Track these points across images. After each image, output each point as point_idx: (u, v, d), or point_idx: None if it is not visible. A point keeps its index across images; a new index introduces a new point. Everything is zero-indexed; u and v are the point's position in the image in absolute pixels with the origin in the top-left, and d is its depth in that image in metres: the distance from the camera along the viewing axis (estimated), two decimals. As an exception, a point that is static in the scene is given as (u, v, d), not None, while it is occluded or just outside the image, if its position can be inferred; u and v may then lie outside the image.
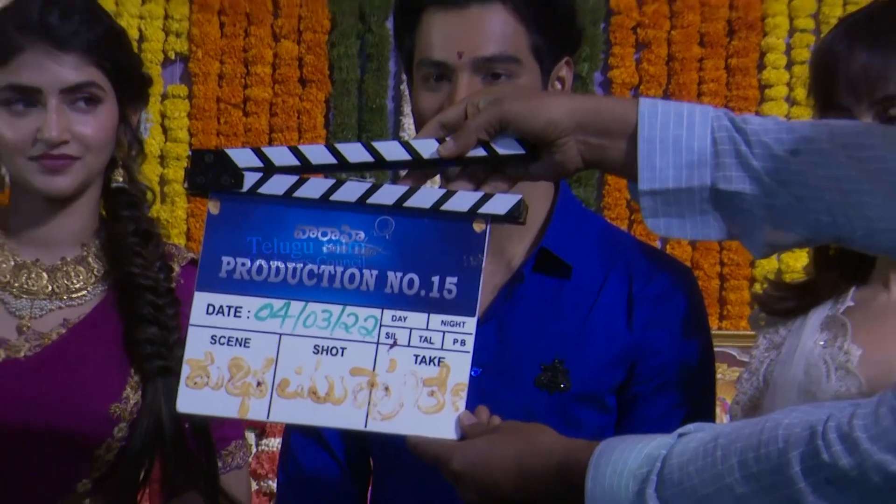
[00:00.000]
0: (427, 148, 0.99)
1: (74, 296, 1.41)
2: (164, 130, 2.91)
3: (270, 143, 2.91)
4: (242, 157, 1.00)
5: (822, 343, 1.19)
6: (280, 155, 1.02)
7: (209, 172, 1.02)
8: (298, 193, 1.01)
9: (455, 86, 1.16)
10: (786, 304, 1.24)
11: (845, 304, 1.20)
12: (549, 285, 1.27)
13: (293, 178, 1.01)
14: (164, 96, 2.90)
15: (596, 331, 1.24)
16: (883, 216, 0.93)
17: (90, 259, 1.45)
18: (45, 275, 1.41)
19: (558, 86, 1.23)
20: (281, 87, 2.91)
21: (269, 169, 1.01)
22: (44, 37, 1.30)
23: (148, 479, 1.46)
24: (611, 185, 2.68)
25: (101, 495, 1.35)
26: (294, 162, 1.02)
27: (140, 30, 2.86)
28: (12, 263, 1.41)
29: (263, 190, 1.00)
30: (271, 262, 1.03)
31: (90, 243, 1.43)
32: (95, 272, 1.43)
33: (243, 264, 1.03)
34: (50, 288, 1.40)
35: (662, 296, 1.26)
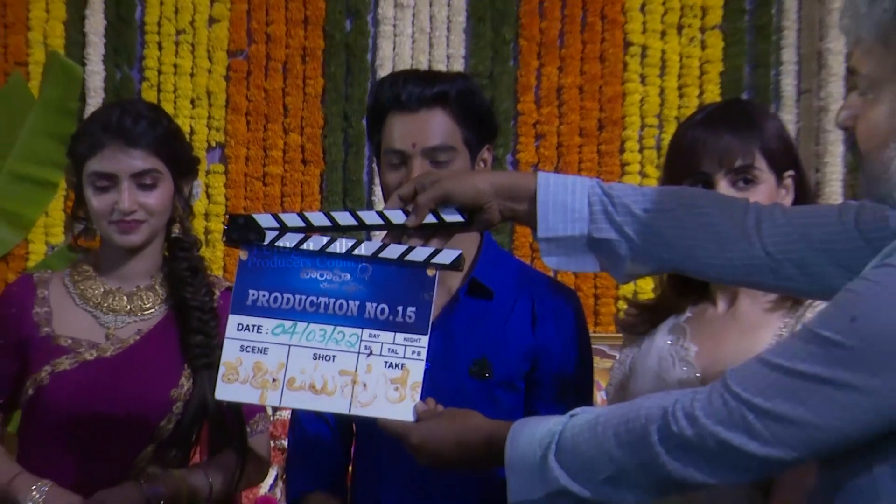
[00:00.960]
0: (394, 216, 1.24)
1: (146, 313, 1.76)
2: (208, 196, 3.47)
3: (282, 207, 3.51)
4: (265, 220, 1.24)
5: (669, 342, 1.47)
6: (291, 219, 1.26)
7: (241, 231, 1.26)
8: (304, 246, 1.25)
9: (410, 168, 1.49)
10: (639, 327, 1.54)
11: (685, 315, 1.48)
12: (478, 304, 1.58)
13: (300, 236, 1.24)
14: (208, 172, 3.43)
15: (510, 336, 1.55)
16: (709, 255, 1.18)
17: (157, 287, 1.77)
18: (125, 298, 1.75)
19: (482, 165, 1.58)
20: (289, 166, 3.46)
21: (283, 229, 1.25)
22: (119, 136, 1.65)
23: (198, 442, 1.81)
24: (518, 232, 3.29)
25: (161, 458, 1.71)
26: (301, 224, 1.26)
27: (191, 126, 3.41)
28: (101, 290, 1.76)
29: (279, 244, 1.24)
30: (284, 295, 1.25)
31: (156, 276, 1.77)
32: (160, 296, 1.77)
33: (264, 296, 1.25)
34: (128, 307, 1.75)
35: (556, 311, 1.58)
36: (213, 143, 3.47)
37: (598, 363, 3.24)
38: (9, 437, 1.96)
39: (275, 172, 3.45)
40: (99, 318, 1.76)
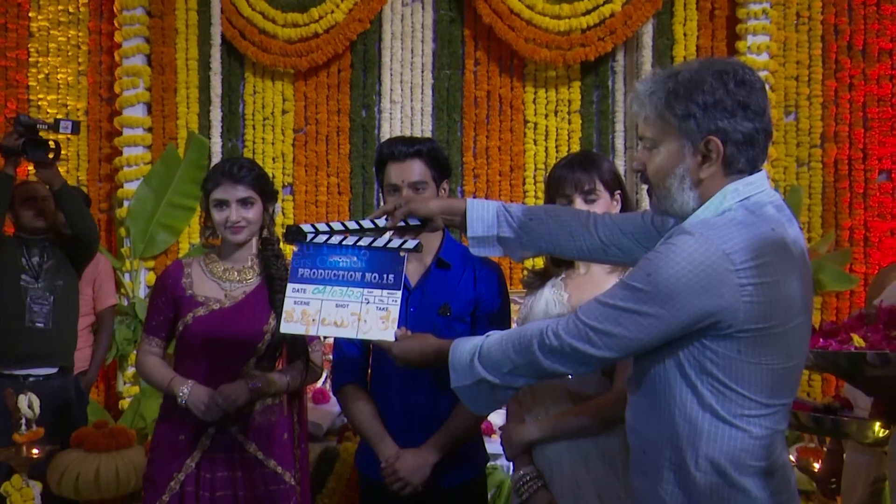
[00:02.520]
0: (381, 222, 1.70)
1: (248, 281, 2.33)
2: (283, 215, 4.67)
3: (327, 220, 4.52)
4: (305, 227, 1.68)
5: (551, 291, 1.95)
6: (321, 226, 1.69)
7: (292, 234, 1.72)
8: (329, 241, 1.66)
9: (401, 195, 2.02)
10: (534, 284, 2.02)
11: (561, 276, 1.97)
12: (442, 273, 2.11)
13: (327, 235, 1.65)
14: (283, 200, 4.71)
15: (461, 291, 2.09)
16: (567, 244, 1.69)
17: (254, 266, 2.32)
18: (235, 273, 2.30)
19: (443, 192, 2.11)
20: (330, 196, 4.74)
21: (316, 232, 1.64)
22: (230, 178, 2.26)
23: (280, 356, 2.39)
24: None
25: (258, 366, 2.29)
26: (327, 229, 1.68)
27: (272, 173, 4.63)
28: (222, 268, 2.31)
29: (315, 241, 1.64)
30: (318, 270, 1.68)
31: (254, 260, 2.32)
32: (256, 272, 2.32)
33: (306, 271, 1.67)
34: (238, 278, 2.30)
35: (487, 275, 2.12)
36: (286, 183, 4.80)
37: (512, 307, 4.02)
38: (168, 356, 2.43)
39: (322, 200, 4.79)
40: (221, 285, 2.26)
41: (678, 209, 1.43)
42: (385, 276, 1.68)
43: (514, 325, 2.16)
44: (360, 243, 1.70)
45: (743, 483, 1.37)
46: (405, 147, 2.10)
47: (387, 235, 1.76)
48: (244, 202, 2.26)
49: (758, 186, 1.42)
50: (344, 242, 1.71)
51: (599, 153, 2.20)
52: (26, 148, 3.17)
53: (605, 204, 1.95)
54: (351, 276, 1.70)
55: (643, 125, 1.46)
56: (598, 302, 1.39)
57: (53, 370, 3.49)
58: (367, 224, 1.75)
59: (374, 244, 1.71)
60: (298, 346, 2.33)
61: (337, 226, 1.73)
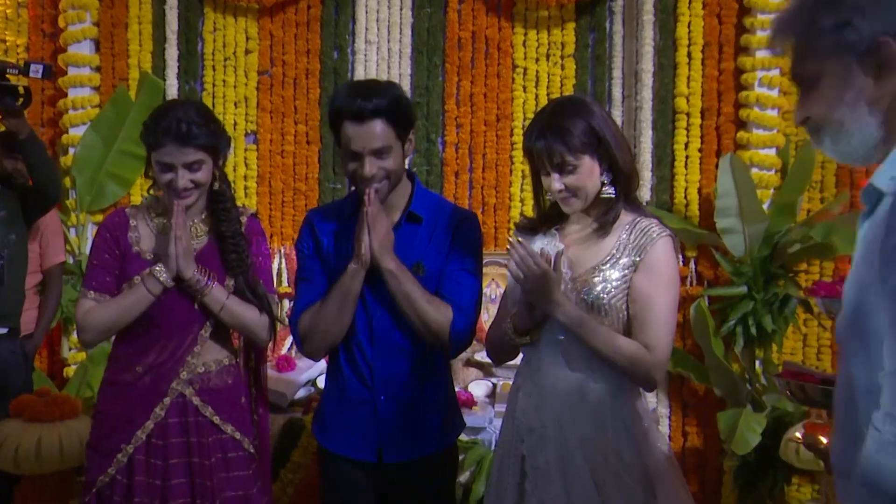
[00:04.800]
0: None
1: (198, 238, 2.44)
2: (246, 165, 4.73)
3: (294, 174, 4.69)
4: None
5: (545, 239, 2.17)
6: None
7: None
8: None
9: (362, 163, 2.16)
10: (526, 229, 2.19)
11: (554, 227, 2.18)
12: (413, 228, 2.27)
13: None
14: (245, 149, 4.71)
15: (435, 245, 2.25)
16: None
17: (205, 221, 2.45)
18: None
19: (409, 145, 2.24)
20: (298, 146, 4.73)
21: None
22: (176, 140, 2.27)
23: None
24: (446, 180, 4.62)
25: (213, 335, 2.43)
26: None
27: (234, 120, 4.70)
28: (165, 223, 2.39)
29: None
30: None
31: (204, 213, 2.44)
32: (207, 227, 2.45)
33: None
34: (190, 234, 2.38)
35: (460, 224, 2.29)
36: (248, 131, 4.78)
37: (498, 270, 4.37)
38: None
39: (288, 150, 4.76)
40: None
41: (859, 146, 1.30)
42: None
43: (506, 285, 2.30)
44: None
45: None
46: (364, 102, 2.11)
47: None
48: (192, 166, 2.29)
49: None
50: None
51: (577, 103, 2.11)
52: None
53: (586, 172, 2.07)
54: None
55: (794, 62, 1.37)
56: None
57: (3, 330, 3.57)
58: None
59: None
60: (257, 290, 2.42)
61: None
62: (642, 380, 2.07)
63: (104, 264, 2.36)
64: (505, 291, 2.25)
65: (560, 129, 2.03)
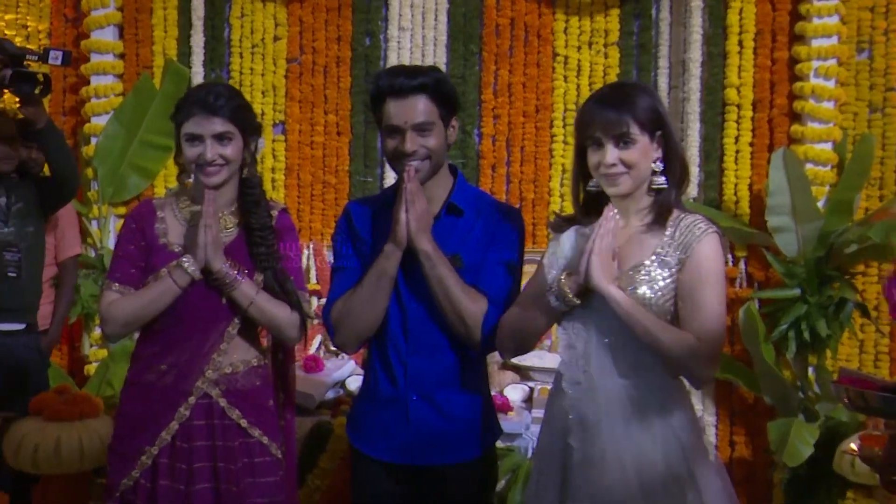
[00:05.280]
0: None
1: (227, 230, 2.38)
2: (274, 156, 4.65)
3: (324, 165, 4.63)
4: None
5: (577, 236, 2.07)
6: None
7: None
8: None
9: (403, 138, 2.12)
10: (562, 227, 2.09)
11: (590, 225, 2.06)
12: (453, 220, 2.23)
13: None
14: (273, 140, 4.61)
15: (475, 239, 2.21)
16: None
17: (235, 213, 2.38)
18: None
19: (452, 131, 2.20)
20: (328, 136, 4.66)
21: None
22: (204, 108, 2.26)
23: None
24: (482, 172, 4.51)
25: (241, 332, 2.38)
26: None
27: (262, 109, 4.60)
28: (198, 209, 2.32)
29: None
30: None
31: (235, 204, 2.37)
32: (237, 219, 2.38)
33: None
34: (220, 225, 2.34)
35: (504, 218, 2.26)
36: (277, 121, 4.70)
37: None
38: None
39: (318, 141, 4.69)
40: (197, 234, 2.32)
41: None
42: None
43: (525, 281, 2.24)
44: None
45: None
46: (407, 80, 2.08)
47: None
48: (221, 137, 2.24)
49: None
50: None
51: (640, 83, 2.15)
52: (13, 81, 3.16)
53: (642, 149, 1.97)
54: None
55: None
56: None
57: (21, 326, 3.53)
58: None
59: None
60: (287, 286, 2.36)
61: None
62: (691, 369, 2.01)
63: (129, 256, 2.33)
64: (538, 270, 2.14)
65: (627, 99, 1.97)
